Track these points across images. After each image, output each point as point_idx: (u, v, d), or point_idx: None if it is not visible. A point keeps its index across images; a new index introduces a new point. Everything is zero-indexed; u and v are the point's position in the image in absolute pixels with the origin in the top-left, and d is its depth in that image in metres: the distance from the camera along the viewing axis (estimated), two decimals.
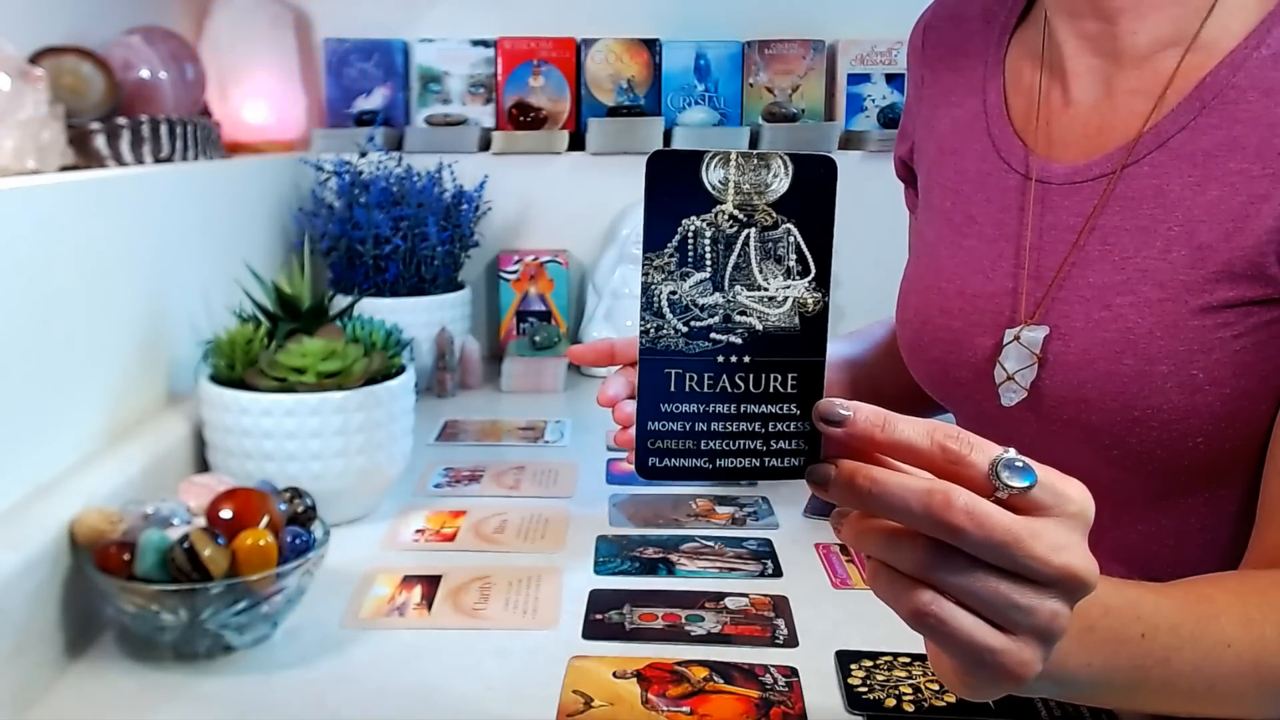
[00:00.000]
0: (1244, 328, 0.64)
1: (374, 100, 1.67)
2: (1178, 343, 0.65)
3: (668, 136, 1.64)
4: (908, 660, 0.75)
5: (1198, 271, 0.65)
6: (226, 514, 0.76)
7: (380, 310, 1.27)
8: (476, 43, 1.67)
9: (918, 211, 0.88)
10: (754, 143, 1.64)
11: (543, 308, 1.62)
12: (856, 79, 1.68)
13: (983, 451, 0.43)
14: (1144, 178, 0.68)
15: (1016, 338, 0.71)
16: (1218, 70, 0.66)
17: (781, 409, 0.46)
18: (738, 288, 0.45)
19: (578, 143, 1.65)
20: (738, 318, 0.45)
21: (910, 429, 0.44)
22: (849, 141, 1.68)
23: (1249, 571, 0.63)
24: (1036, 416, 0.72)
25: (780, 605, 0.84)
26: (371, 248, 1.43)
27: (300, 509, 0.83)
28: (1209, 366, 0.64)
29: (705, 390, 0.45)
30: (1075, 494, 0.44)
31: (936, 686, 0.72)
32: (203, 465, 1.01)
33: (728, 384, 0.46)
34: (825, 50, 1.69)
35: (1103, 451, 0.69)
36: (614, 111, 1.65)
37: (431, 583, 0.88)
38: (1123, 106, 0.71)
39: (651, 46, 1.67)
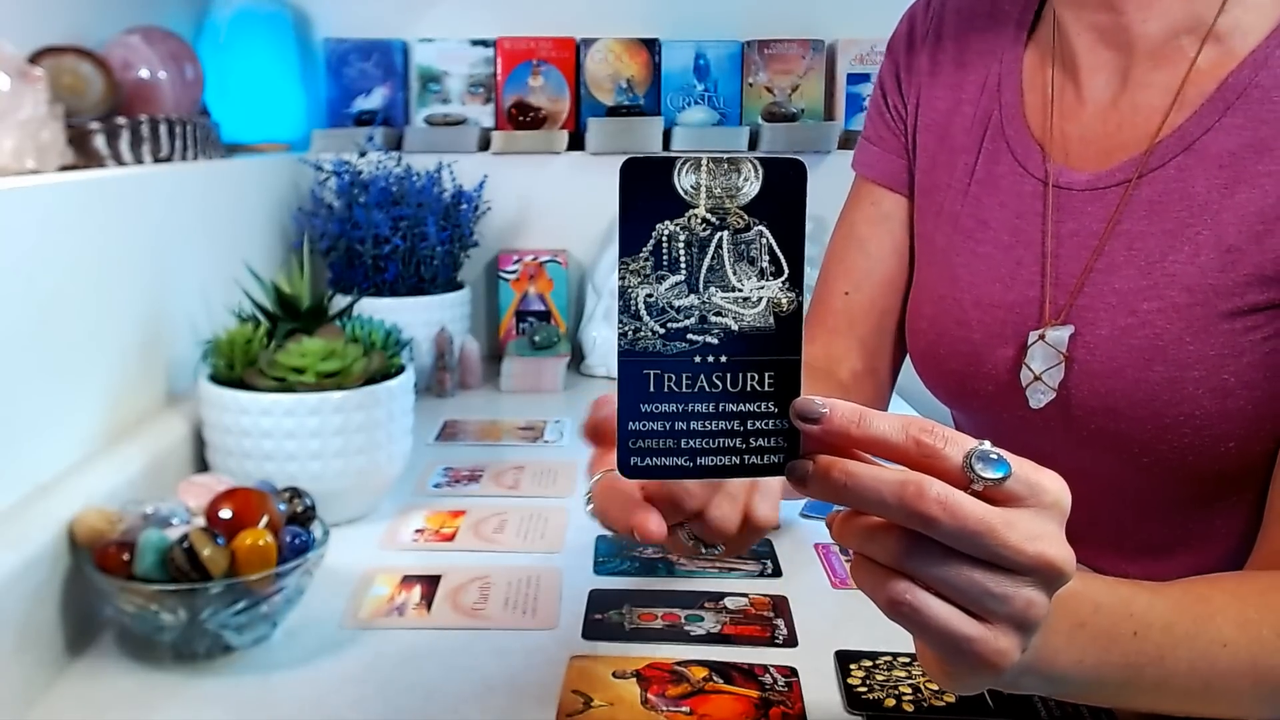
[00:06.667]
0: (1273, 330, 0.63)
1: (373, 100, 1.67)
2: (1208, 348, 0.64)
3: (667, 136, 1.64)
4: (907, 660, 0.75)
5: (1227, 275, 0.64)
6: (226, 514, 0.76)
7: (380, 310, 1.27)
8: (476, 42, 1.67)
9: (917, 212, 0.86)
10: (754, 143, 1.64)
11: (542, 308, 1.62)
12: (856, 79, 1.68)
13: (957, 444, 0.44)
14: (1169, 181, 0.67)
15: (1042, 337, 0.70)
16: (1240, 70, 0.65)
17: (759, 407, 0.46)
18: (712, 289, 0.46)
19: (577, 142, 1.65)
20: (713, 318, 0.46)
21: (885, 424, 0.44)
22: (848, 141, 1.67)
23: (1249, 572, 0.63)
24: (1064, 424, 0.71)
25: (780, 605, 0.84)
26: (371, 247, 1.43)
27: (300, 509, 0.83)
28: (1240, 370, 0.64)
29: (684, 390, 0.46)
30: (1051, 485, 0.44)
31: (936, 686, 0.72)
32: (202, 465, 1.01)
33: (706, 384, 0.46)
34: (825, 50, 1.69)
35: (1133, 460, 0.68)
36: (613, 111, 1.65)
37: (431, 582, 0.88)
38: (1141, 104, 0.70)
39: (651, 46, 1.67)
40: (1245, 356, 0.64)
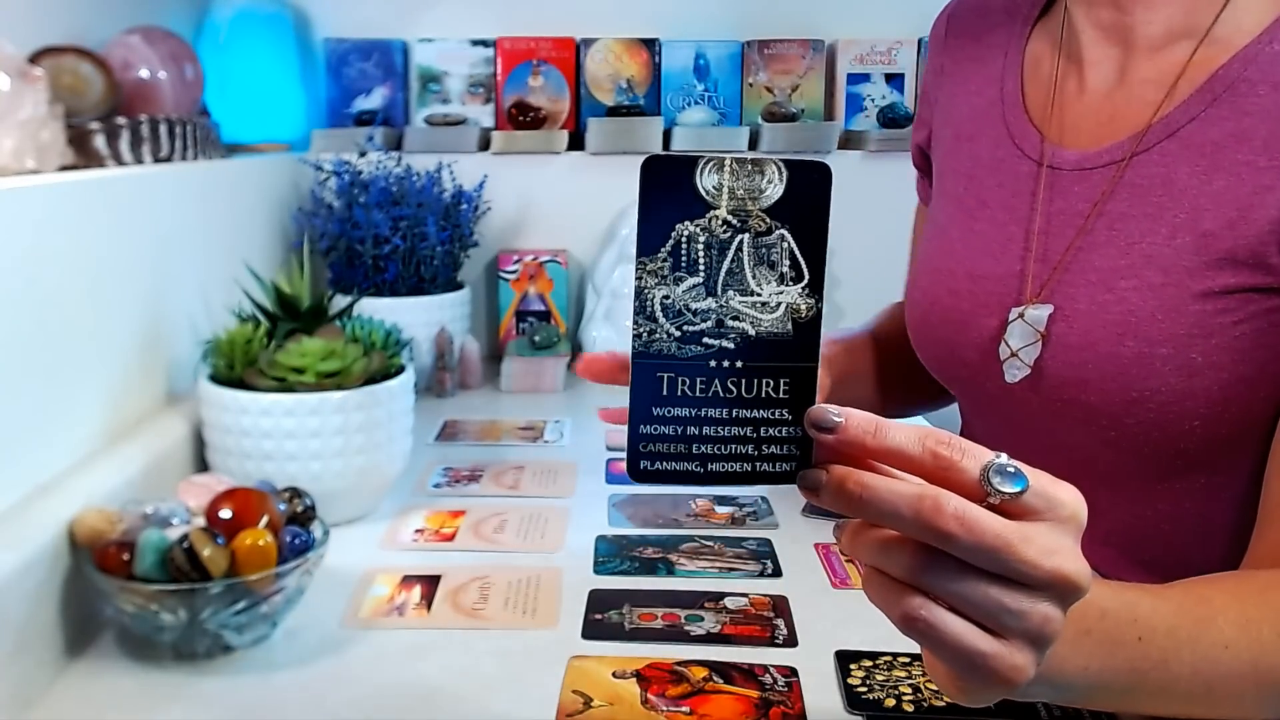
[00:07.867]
0: (1244, 314, 0.65)
1: (373, 100, 1.67)
2: (1178, 326, 0.66)
3: (667, 136, 1.64)
4: (907, 660, 0.75)
5: (1201, 258, 0.66)
6: (226, 514, 0.76)
7: (380, 310, 1.27)
8: (476, 42, 1.67)
9: (931, 197, 0.90)
10: (753, 143, 1.64)
11: (542, 307, 1.62)
12: (856, 79, 1.68)
13: (974, 457, 0.43)
14: (1153, 166, 0.69)
15: (1021, 315, 0.72)
16: (1230, 64, 0.68)
17: (773, 414, 0.46)
18: (730, 293, 0.45)
19: (577, 142, 1.65)
20: (730, 323, 0.45)
21: (901, 435, 0.44)
22: (848, 141, 1.67)
23: (1248, 572, 0.63)
24: (1038, 396, 0.73)
25: (780, 605, 0.84)
26: (371, 247, 1.43)
27: (300, 509, 0.83)
28: (1208, 351, 0.65)
29: (697, 394, 0.46)
30: (1067, 498, 0.44)
31: (936, 686, 0.72)
32: (202, 465, 1.01)
33: (720, 388, 0.46)
34: (825, 50, 1.68)
35: (1100, 432, 0.70)
36: (613, 111, 1.65)
37: (431, 582, 0.88)
38: (1135, 95, 0.73)
39: (651, 46, 1.66)
40: (1214, 338, 0.65)
